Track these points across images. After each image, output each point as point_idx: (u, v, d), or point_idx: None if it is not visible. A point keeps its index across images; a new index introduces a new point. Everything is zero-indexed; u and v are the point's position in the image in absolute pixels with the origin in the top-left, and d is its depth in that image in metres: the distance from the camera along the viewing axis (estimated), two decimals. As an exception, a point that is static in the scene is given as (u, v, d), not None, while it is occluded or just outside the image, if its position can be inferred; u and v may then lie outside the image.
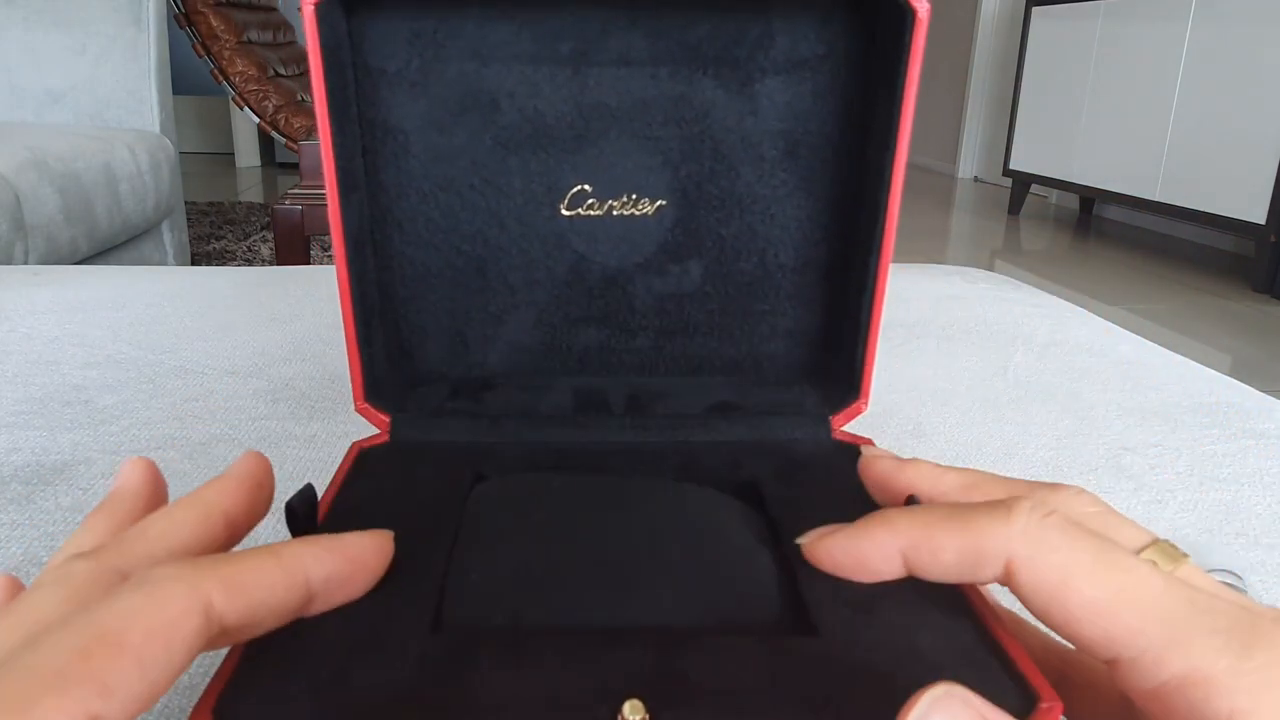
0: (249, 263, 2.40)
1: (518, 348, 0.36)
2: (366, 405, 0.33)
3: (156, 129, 1.85)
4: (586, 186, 0.33)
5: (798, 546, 0.23)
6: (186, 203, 2.54)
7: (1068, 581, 0.18)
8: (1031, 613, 0.19)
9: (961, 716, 0.16)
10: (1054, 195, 3.82)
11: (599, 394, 0.35)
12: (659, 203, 0.34)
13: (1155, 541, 0.20)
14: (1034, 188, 3.53)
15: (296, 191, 1.48)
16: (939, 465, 0.24)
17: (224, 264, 2.37)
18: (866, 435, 0.33)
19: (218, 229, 2.75)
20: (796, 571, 0.23)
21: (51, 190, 1.43)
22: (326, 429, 0.45)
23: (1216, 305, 2.31)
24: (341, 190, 0.30)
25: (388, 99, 0.32)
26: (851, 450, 0.32)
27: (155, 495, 0.23)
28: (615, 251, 0.34)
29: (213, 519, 0.21)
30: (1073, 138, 3.09)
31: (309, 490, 0.25)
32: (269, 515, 0.24)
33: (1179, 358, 0.61)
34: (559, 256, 0.34)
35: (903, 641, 0.20)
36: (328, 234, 0.31)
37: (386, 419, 0.33)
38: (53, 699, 0.15)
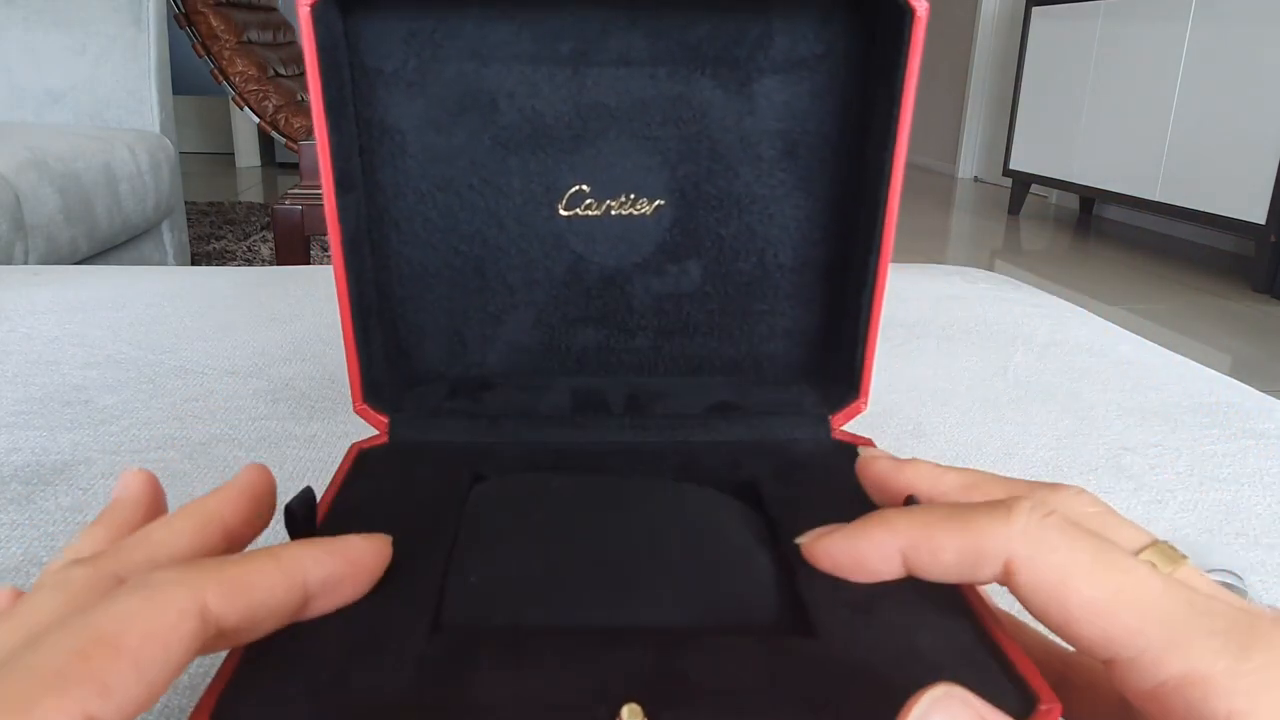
0: (249, 263, 2.40)
1: (516, 348, 0.36)
2: (365, 406, 0.32)
3: (156, 129, 1.85)
4: (585, 186, 0.33)
5: (797, 546, 0.23)
6: (186, 203, 2.54)
7: (1067, 582, 0.18)
8: (1030, 612, 0.19)
9: (961, 717, 0.16)
10: (1054, 195, 3.82)
11: (598, 394, 0.35)
12: (657, 203, 0.34)
13: (1154, 543, 0.20)
14: (1034, 188, 3.53)
15: (296, 191, 1.48)
16: (938, 465, 0.24)
17: (224, 264, 2.37)
18: (866, 435, 0.33)
19: (218, 229, 2.75)
20: (796, 571, 0.23)
21: (51, 190, 1.43)
22: (326, 429, 0.45)
23: (1216, 305, 2.31)
24: (338, 190, 0.30)
25: (385, 99, 0.32)
26: (851, 450, 0.32)
27: (154, 505, 0.23)
28: (614, 251, 0.34)
29: (211, 528, 0.21)
30: (1073, 138, 3.09)
31: (308, 493, 0.25)
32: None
33: (1179, 358, 0.61)
34: (557, 256, 0.34)
35: (902, 642, 0.20)
36: (327, 234, 0.31)
37: (385, 420, 0.33)
38: (51, 699, 0.15)
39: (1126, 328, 0.69)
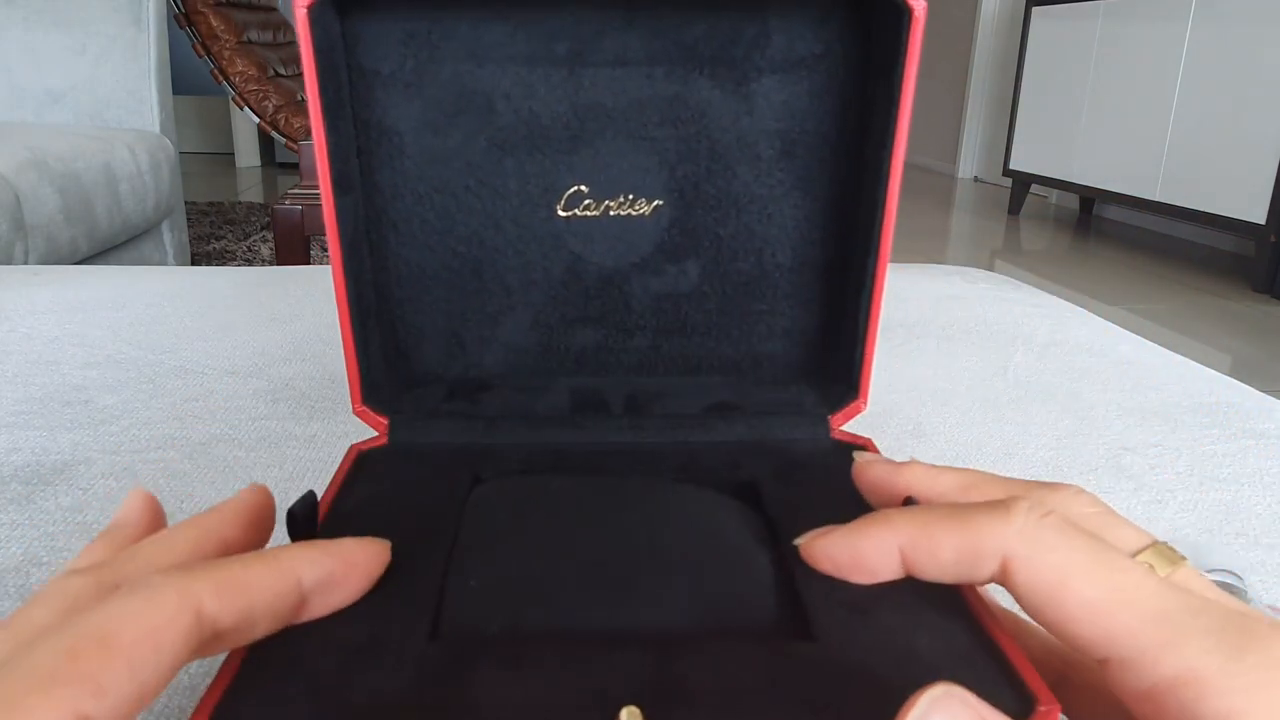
0: (249, 263, 2.40)
1: (514, 349, 0.36)
2: (364, 408, 0.32)
3: (156, 129, 1.85)
4: (583, 187, 0.33)
5: (796, 548, 0.23)
6: (186, 203, 2.54)
7: (1063, 581, 0.18)
8: (1026, 611, 0.19)
9: (960, 717, 0.16)
10: (1054, 195, 3.82)
11: (597, 394, 0.35)
12: (656, 203, 0.34)
13: (1153, 544, 0.20)
14: (1034, 188, 3.53)
15: (296, 191, 1.48)
16: (935, 466, 0.24)
17: (224, 264, 2.37)
18: (866, 435, 0.33)
19: (218, 229, 2.75)
20: (794, 573, 0.23)
21: (51, 190, 1.43)
22: (326, 429, 0.45)
23: (1216, 305, 2.31)
24: (337, 192, 0.30)
25: (382, 100, 0.32)
26: (850, 450, 0.32)
27: (155, 525, 0.23)
28: (612, 252, 0.34)
29: (209, 543, 0.21)
30: (1073, 138, 3.09)
31: (310, 497, 0.25)
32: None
33: (1179, 358, 0.61)
34: (555, 257, 0.34)
35: (901, 644, 0.20)
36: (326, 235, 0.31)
37: (384, 421, 0.33)
38: (41, 697, 0.15)
39: (1126, 328, 0.69)
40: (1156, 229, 3.25)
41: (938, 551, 0.20)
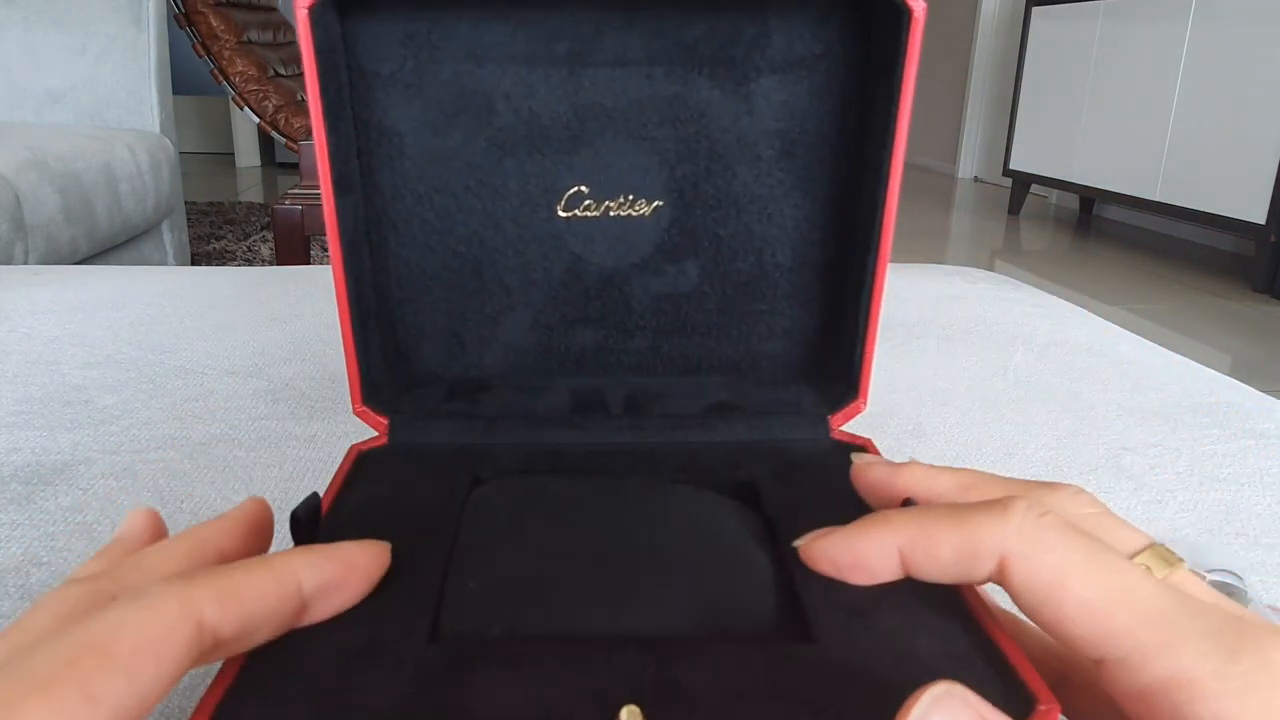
0: (249, 263, 2.40)
1: (514, 349, 0.36)
2: (365, 408, 0.33)
3: (156, 129, 1.85)
4: (583, 188, 0.33)
5: (795, 549, 0.23)
6: (186, 203, 2.54)
7: (1060, 581, 0.18)
8: (1023, 611, 0.19)
9: (961, 716, 0.16)
10: (1054, 195, 3.82)
11: (596, 395, 0.35)
12: (655, 203, 0.34)
13: (1151, 545, 0.20)
14: (1034, 188, 3.53)
15: (296, 191, 1.48)
16: (934, 467, 0.24)
17: (224, 264, 2.37)
18: (866, 435, 0.33)
19: (218, 229, 2.75)
20: (794, 574, 0.23)
21: (51, 190, 1.43)
22: (326, 429, 0.45)
23: (1216, 305, 2.31)
24: (337, 192, 0.30)
25: (382, 101, 0.32)
26: (850, 450, 0.32)
27: (156, 538, 0.23)
28: (612, 252, 0.34)
29: (207, 554, 0.21)
30: (1073, 138, 3.09)
31: (314, 499, 0.25)
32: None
33: (1179, 358, 0.61)
34: (555, 258, 0.34)
35: (900, 645, 0.20)
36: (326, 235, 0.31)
37: (384, 421, 0.33)
38: (36, 703, 0.15)
39: (1126, 328, 0.69)
40: (1156, 229, 3.25)
41: (936, 551, 0.20)
